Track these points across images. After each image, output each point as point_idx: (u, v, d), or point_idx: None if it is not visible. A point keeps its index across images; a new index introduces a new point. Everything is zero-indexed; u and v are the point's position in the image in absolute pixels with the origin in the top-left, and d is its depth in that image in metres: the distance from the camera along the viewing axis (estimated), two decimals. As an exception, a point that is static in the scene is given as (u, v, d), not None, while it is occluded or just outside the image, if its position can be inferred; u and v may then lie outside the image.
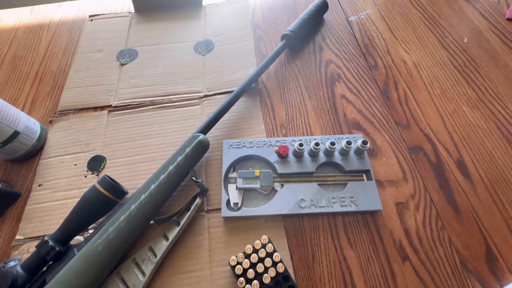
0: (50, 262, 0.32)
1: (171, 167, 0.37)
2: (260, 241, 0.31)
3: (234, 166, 0.40)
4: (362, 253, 0.34)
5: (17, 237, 0.37)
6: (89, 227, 0.37)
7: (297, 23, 0.52)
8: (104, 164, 0.42)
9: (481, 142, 0.41)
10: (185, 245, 0.36)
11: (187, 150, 0.38)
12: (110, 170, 0.42)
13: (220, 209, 0.37)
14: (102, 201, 0.35)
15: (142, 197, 0.35)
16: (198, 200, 0.36)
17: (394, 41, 0.53)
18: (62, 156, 0.43)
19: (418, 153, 0.41)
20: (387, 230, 0.36)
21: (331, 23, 0.57)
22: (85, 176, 0.41)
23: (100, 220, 0.36)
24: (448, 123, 0.43)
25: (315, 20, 0.56)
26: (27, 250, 0.36)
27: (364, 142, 0.37)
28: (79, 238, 0.37)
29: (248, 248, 0.31)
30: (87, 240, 0.34)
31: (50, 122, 0.47)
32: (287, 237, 0.36)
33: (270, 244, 0.31)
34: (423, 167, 0.40)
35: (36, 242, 0.37)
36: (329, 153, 0.39)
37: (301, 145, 0.38)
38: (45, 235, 0.37)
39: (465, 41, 0.51)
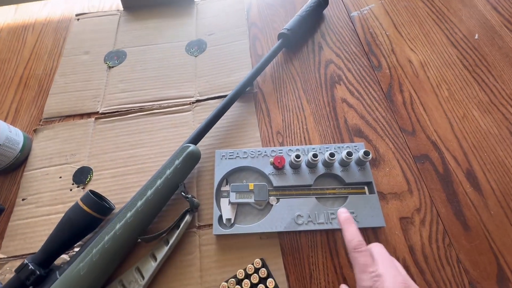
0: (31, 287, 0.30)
1: (159, 182, 0.34)
2: (253, 265, 0.29)
3: (227, 178, 0.38)
4: (363, 273, 0.32)
5: (0, 255, 0.35)
6: (75, 245, 0.35)
7: (295, 21, 0.49)
8: (90, 177, 0.40)
9: (493, 150, 0.38)
10: (174, 264, 0.34)
11: (176, 162, 0.35)
12: (97, 183, 0.39)
13: (211, 225, 0.35)
14: (86, 219, 0.33)
15: (128, 214, 0.33)
16: (188, 218, 0.34)
17: (399, 38, 0.50)
18: (46, 168, 0.41)
19: (424, 162, 0.38)
20: (390, 248, 0.33)
21: (332, 19, 0.54)
22: (71, 190, 0.39)
23: (87, 237, 0.35)
24: (457, 129, 0.40)
25: (314, 17, 0.52)
26: (10, 270, 0.35)
27: (366, 153, 0.35)
28: (64, 257, 0.35)
29: (240, 273, 0.29)
30: (72, 259, 0.32)
31: (35, 131, 0.45)
32: (282, 255, 0.34)
33: (263, 269, 0.29)
34: (429, 177, 0.37)
35: (19, 261, 0.35)
36: (328, 164, 0.36)
37: (298, 156, 0.35)
38: (29, 254, 0.36)
39: (476, 37, 0.48)
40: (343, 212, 0.28)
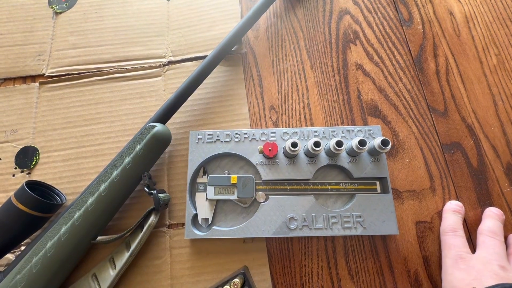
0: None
1: (115, 173, 0.27)
2: (231, 287, 0.23)
3: (204, 166, 0.30)
4: (365, 287, 0.27)
5: None
6: (22, 244, 0.29)
7: (301, -51, 0.35)
8: (36, 159, 0.32)
9: (546, 140, 0.30)
10: (139, 270, 0.28)
11: (138, 148, 0.27)
12: (44, 168, 0.32)
13: (184, 224, 0.29)
14: (24, 220, 0.26)
15: (76, 215, 0.26)
16: (152, 218, 0.27)
17: (440, -20, 0.37)
18: (-17, 146, 0.33)
19: (455, 153, 0.30)
20: (401, 258, 0.27)
21: (351, -50, 0.40)
22: (13, 175, 0.32)
23: (36, 234, 0.29)
24: (502, 110, 0.31)
25: None
26: None
27: (384, 143, 0.26)
28: (9, 257, 0.29)
29: (214, 295, 0.23)
30: (17, 259, 0.26)
31: (-34, 97, 0.35)
32: (270, 263, 0.28)
33: (243, 291, 0.23)
34: (458, 172, 0.30)
35: (-43, 261, 0.29)
36: (333, 154, 0.28)
37: (294, 145, 0.27)
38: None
39: (546, -19, 0.35)
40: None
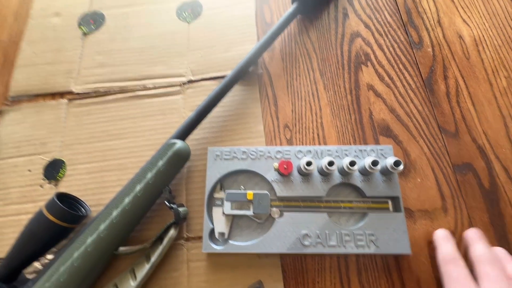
0: (-7, 306, 0.27)
1: (138, 188, 0.28)
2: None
3: (221, 182, 0.32)
4: (378, 306, 0.27)
5: (-34, 258, 0.32)
6: (48, 252, 0.31)
7: (315, -22, 0.38)
8: (63, 172, 0.34)
9: (558, 162, 0.30)
10: (158, 282, 0.29)
11: (160, 164, 0.29)
12: (70, 180, 0.34)
13: (202, 237, 0.30)
14: (53, 231, 0.28)
15: (102, 227, 0.27)
16: (172, 232, 0.29)
17: (449, 5, 0.38)
18: (15, 158, 0.36)
19: (466, 174, 0.31)
20: (414, 278, 0.28)
21: (363, -24, 0.42)
22: (41, 186, 0.34)
23: (63, 243, 0.30)
24: (513, 132, 0.32)
25: (340, -28, 0.40)
26: (-22, 276, 0.31)
27: (396, 164, 0.27)
28: (36, 266, 0.31)
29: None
30: (44, 269, 0.28)
31: (1, 112, 0.38)
32: (284, 279, 0.29)
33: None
34: (470, 193, 0.30)
35: (-13, 267, 0.31)
36: (346, 173, 0.29)
37: (309, 164, 0.28)
38: (-3, 259, 0.31)
39: (555, 6, 0.36)
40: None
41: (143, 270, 0.28)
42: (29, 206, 0.33)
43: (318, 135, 0.34)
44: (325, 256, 0.29)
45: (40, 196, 0.34)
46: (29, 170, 0.35)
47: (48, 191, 0.34)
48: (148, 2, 0.43)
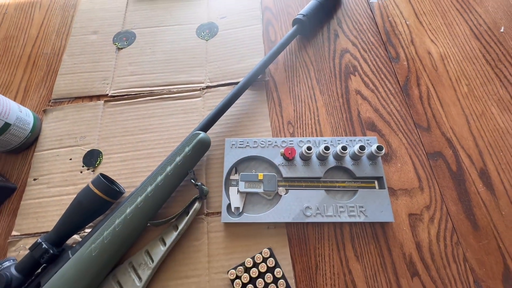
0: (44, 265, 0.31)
1: (169, 168, 0.34)
2: (261, 255, 0.30)
3: (236, 167, 0.38)
4: (369, 266, 0.33)
5: (14, 233, 0.36)
6: (86, 227, 0.36)
7: (311, 6, 0.47)
8: (100, 160, 0.40)
9: (510, 150, 0.37)
10: (182, 249, 0.34)
11: (186, 149, 0.35)
12: (106, 166, 0.40)
13: (220, 212, 0.35)
14: (97, 202, 0.33)
15: (139, 199, 0.33)
16: (197, 205, 0.35)
17: (419, 28, 0.48)
18: (57, 149, 0.42)
19: (437, 160, 0.38)
20: (397, 243, 0.33)
21: (349, 5, 0.51)
22: (81, 172, 0.40)
23: (99, 219, 0.35)
24: (473, 127, 0.39)
25: (331, 2, 0.50)
26: (24, 247, 0.36)
27: (379, 148, 0.34)
28: (76, 237, 0.36)
29: (248, 262, 0.29)
30: (83, 240, 0.33)
31: (44, 111, 0.45)
32: (289, 246, 0.34)
33: (271, 259, 0.29)
34: (441, 175, 0.37)
35: (32, 239, 0.36)
36: (339, 157, 0.36)
37: (309, 148, 0.35)
38: (41, 233, 0.36)
39: (502, 30, 0.45)
40: None
41: (172, 237, 0.33)
42: (70, 188, 0.39)
43: (316, 129, 0.41)
44: (323, 225, 0.35)
45: (79, 180, 0.39)
46: (70, 159, 0.41)
47: (87, 176, 0.39)
48: (173, 23, 0.51)
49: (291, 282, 0.32)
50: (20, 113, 0.40)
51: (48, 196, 0.38)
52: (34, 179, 0.40)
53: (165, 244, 0.33)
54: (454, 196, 0.36)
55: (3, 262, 0.31)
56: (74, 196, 0.34)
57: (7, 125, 0.38)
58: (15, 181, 0.41)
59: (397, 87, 0.43)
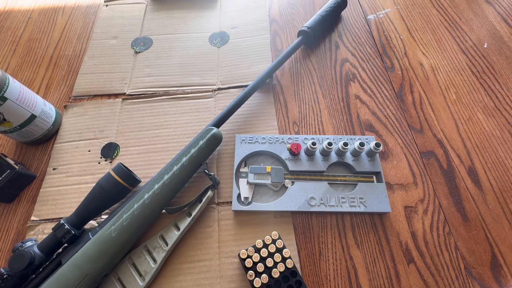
0: (66, 245, 0.33)
1: (184, 159, 0.37)
2: (271, 237, 0.32)
3: (245, 160, 0.41)
4: (368, 253, 0.35)
5: (32, 218, 0.38)
6: (103, 213, 0.38)
7: (315, 20, 0.52)
8: (117, 152, 0.43)
9: (494, 151, 0.41)
10: (195, 235, 0.37)
11: (201, 142, 0.38)
12: (123, 158, 0.42)
13: (230, 202, 0.38)
14: (117, 188, 0.35)
15: (156, 186, 0.35)
16: (210, 193, 0.37)
17: (412, 42, 0.53)
18: (76, 142, 0.44)
19: (430, 158, 0.41)
20: (394, 232, 0.36)
21: (349, 21, 0.56)
22: (99, 163, 0.42)
23: (114, 206, 0.37)
24: (462, 130, 0.43)
25: (333, 17, 0.55)
26: (42, 231, 0.38)
27: (377, 145, 0.38)
28: (92, 223, 0.38)
29: (259, 243, 0.32)
30: (101, 225, 0.35)
31: (65, 107, 0.48)
32: (295, 233, 0.36)
33: (279, 240, 0.32)
34: (434, 172, 0.40)
35: (50, 224, 0.38)
36: (341, 153, 0.39)
37: (314, 144, 0.38)
38: (59, 218, 0.38)
39: (485, 46, 0.51)
40: None
41: (185, 223, 0.35)
42: (88, 177, 0.41)
43: (318, 129, 0.44)
44: (326, 215, 0.37)
45: (97, 170, 0.42)
46: (89, 151, 0.43)
47: (104, 167, 0.42)
48: (187, 31, 0.56)
49: (297, 266, 0.34)
50: (45, 107, 0.43)
51: (67, 185, 0.41)
52: (54, 169, 0.42)
53: (179, 229, 0.35)
54: (446, 191, 0.39)
55: (26, 242, 0.33)
56: (92, 185, 0.37)
57: (33, 117, 0.41)
58: (35, 171, 0.43)
59: (392, 93, 0.47)
